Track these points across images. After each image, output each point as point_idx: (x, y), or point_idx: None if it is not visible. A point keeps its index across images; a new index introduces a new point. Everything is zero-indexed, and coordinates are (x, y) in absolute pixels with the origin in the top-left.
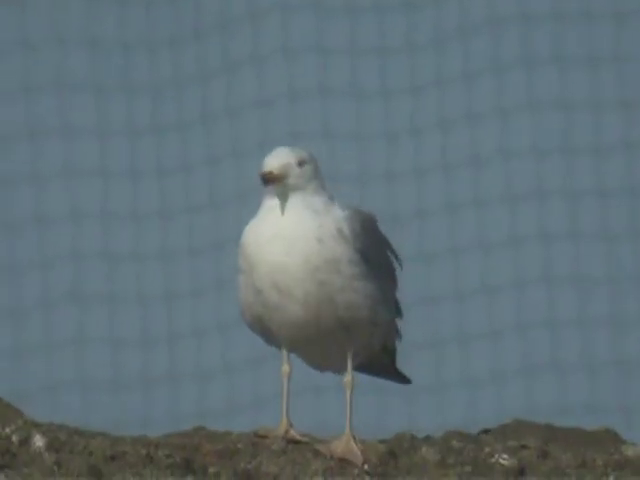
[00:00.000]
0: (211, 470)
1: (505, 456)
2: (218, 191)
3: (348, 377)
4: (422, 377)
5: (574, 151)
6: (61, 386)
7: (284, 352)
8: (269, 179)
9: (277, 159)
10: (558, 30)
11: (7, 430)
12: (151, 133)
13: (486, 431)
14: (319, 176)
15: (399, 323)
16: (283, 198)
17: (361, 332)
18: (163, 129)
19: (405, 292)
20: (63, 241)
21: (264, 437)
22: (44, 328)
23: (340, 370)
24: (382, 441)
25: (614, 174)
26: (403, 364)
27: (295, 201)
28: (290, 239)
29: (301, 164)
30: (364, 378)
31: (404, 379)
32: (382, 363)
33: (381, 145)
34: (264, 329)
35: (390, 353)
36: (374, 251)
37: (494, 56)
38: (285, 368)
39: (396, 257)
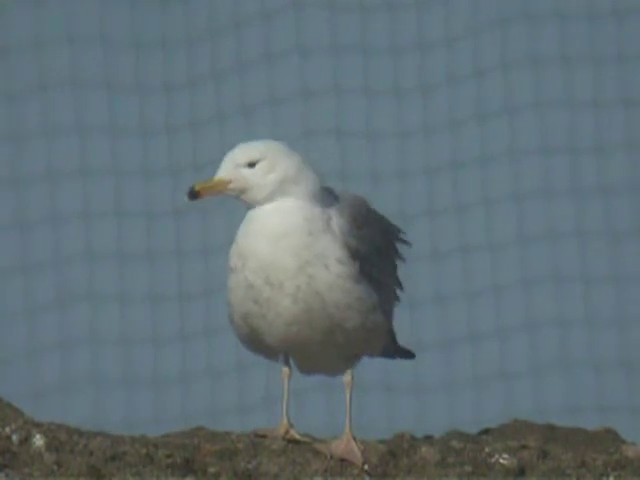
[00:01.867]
0: (211, 470)
1: (505, 456)
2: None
3: (348, 377)
4: (431, 376)
5: (580, 149)
6: (74, 385)
7: (281, 356)
8: (193, 194)
9: (223, 167)
10: (564, 29)
11: (7, 430)
12: (164, 132)
13: (486, 431)
14: (298, 167)
15: (400, 294)
16: (246, 202)
17: (355, 337)
18: (176, 128)
19: (415, 291)
20: (76, 240)
21: (264, 437)
22: (57, 327)
23: (332, 373)
24: (382, 441)
25: (620, 173)
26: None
27: (281, 197)
28: (281, 234)
29: (252, 164)
30: (372, 377)
31: (408, 354)
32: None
33: (393, 143)
34: (253, 332)
35: (390, 333)
36: (367, 243)
37: (502, 55)
38: (285, 369)
39: (399, 232)
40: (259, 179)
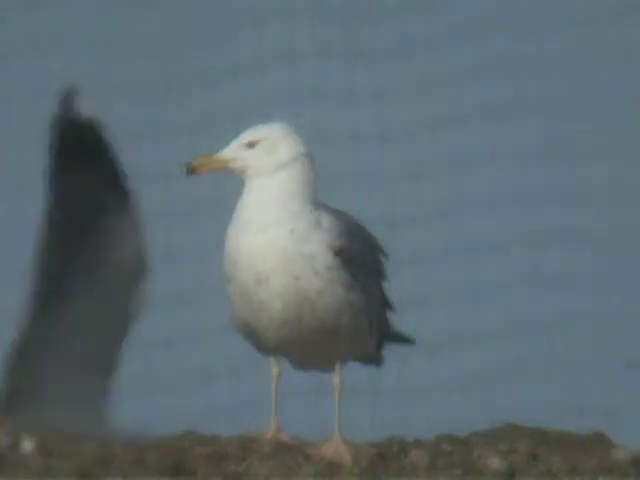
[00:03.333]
0: (200, 473)
1: (495, 459)
2: (222, 192)
3: (337, 379)
4: (412, 378)
5: (559, 154)
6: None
7: (272, 356)
8: (190, 169)
9: (228, 146)
10: (542, 33)
11: None
12: (156, 136)
13: (476, 434)
14: (296, 155)
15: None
16: (246, 183)
17: (345, 337)
18: (168, 132)
19: (397, 294)
20: None
21: (253, 440)
22: None
23: (326, 369)
24: (372, 444)
25: (612, 174)
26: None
27: (269, 187)
28: (266, 226)
29: (251, 145)
30: (359, 380)
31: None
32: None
33: (375, 147)
34: (252, 335)
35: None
36: (357, 252)
37: (484, 58)
38: (274, 371)
39: (381, 249)
40: (257, 160)
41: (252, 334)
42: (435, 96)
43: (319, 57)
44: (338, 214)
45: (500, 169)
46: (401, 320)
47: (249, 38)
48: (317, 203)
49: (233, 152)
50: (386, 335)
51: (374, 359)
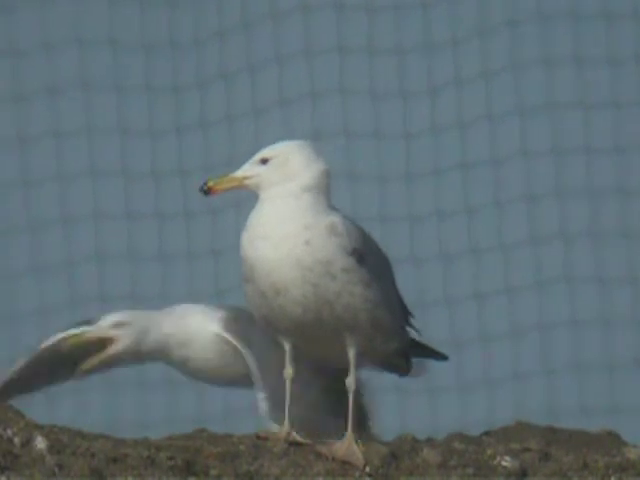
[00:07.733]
0: (212, 472)
1: (507, 458)
2: (239, 192)
3: (350, 379)
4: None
5: (594, 151)
6: (86, 385)
7: (287, 355)
8: (206, 189)
9: (244, 166)
10: (577, 30)
11: (9, 432)
12: (174, 133)
13: (488, 433)
14: (307, 167)
15: (413, 321)
16: (260, 197)
17: (362, 334)
18: (185, 130)
19: (422, 294)
20: (87, 241)
21: (265, 439)
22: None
23: (342, 365)
24: (384, 443)
25: (635, 174)
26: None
27: (282, 199)
28: (280, 239)
29: (264, 161)
30: (374, 380)
31: (439, 355)
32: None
33: (400, 144)
34: (270, 327)
35: (401, 354)
36: (369, 249)
37: (512, 56)
38: (288, 371)
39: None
40: (270, 174)
41: (271, 329)
42: (464, 94)
43: (339, 55)
44: (346, 218)
45: (535, 166)
46: (427, 318)
47: (267, 36)
48: (331, 208)
49: (247, 170)
50: (409, 343)
51: (401, 368)
